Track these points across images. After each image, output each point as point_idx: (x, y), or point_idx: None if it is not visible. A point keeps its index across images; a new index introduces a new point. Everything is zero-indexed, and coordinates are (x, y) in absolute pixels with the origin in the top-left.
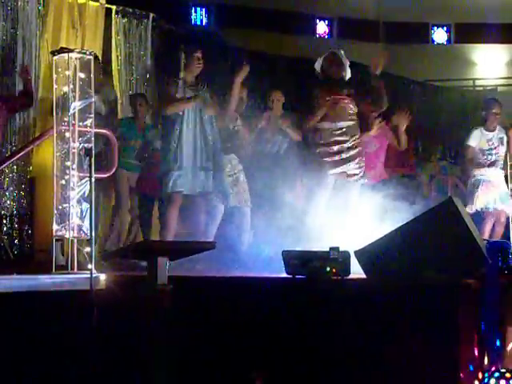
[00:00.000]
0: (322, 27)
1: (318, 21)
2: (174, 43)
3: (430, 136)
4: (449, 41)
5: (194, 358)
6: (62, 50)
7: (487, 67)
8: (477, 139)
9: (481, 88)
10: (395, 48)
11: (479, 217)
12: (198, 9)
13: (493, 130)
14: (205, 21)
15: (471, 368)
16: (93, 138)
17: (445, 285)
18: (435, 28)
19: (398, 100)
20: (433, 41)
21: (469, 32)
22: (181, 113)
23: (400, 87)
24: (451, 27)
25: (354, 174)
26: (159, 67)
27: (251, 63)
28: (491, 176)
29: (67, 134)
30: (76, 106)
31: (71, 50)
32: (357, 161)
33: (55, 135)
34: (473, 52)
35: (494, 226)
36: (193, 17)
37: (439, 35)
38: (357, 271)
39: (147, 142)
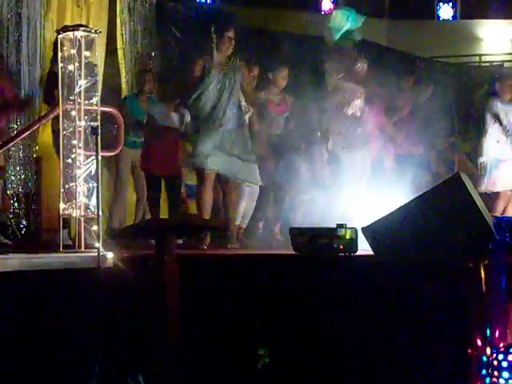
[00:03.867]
0: (326, 4)
1: None
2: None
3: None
4: (454, 17)
5: (202, 336)
6: (67, 28)
7: (493, 43)
8: (496, 111)
9: (487, 64)
10: (400, 24)
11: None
12: None
13: (509, 102)
14: None
15: (479, 343)
16: (99, 117)
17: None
18: (441, 4)
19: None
20: (438, 17)
21: (475, 8)
22: (213, 94)
23: (405, 63)
24: (457, 3)
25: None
26: (184, 47)
27: (255, 40)
28: (509, 154)
29: (73, 113)
30: (82, 84)
31: (76, 28)
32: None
33: (61, 114)
34: (479, 28)
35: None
36: None
37: (445, 11)
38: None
39: (151, 117)
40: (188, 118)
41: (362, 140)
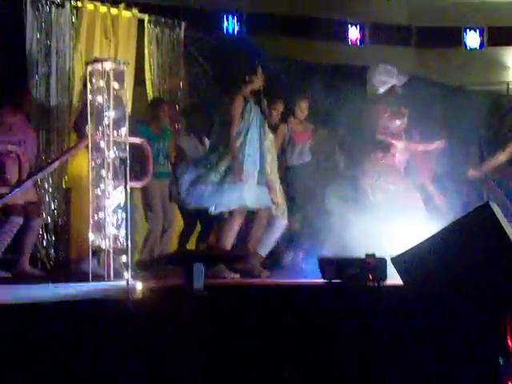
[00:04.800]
0: (353, 33)
1: (349, 26)
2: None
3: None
4: (482, 44)
5: (230, 363)
6: (96, 60)
7: None
8: None
9: None
10: (427, 52)
11: None
12: (230, 17)
13: None
14: (236, 29)
15: None
16: (127, 148)
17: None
18: (468, 32)
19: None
20: (465, 45)
21: (502, 35)
22: (244, 125)
23: (432, 92)
24: (484, 31)
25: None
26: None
27: (282, 69)
28: None
29: (102, 144)
30: (110, 115)
31: (105, 60)
32: None
33: (90, 145)
34: (506, 55)
35: None
36: (224, 25)
37: (472, 39)
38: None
39: (181, 149)
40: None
41: (396, 171)
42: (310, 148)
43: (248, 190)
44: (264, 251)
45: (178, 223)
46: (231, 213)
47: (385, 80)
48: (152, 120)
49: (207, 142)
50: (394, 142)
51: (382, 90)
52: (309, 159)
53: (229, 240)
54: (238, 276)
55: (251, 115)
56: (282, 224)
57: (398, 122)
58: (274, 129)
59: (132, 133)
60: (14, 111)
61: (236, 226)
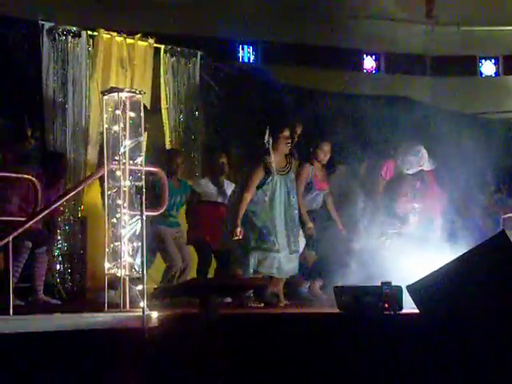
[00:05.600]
0: (369, 62)
1: (365, 56)
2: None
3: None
4: (497, 73)
5: None
6: (112, 90)
7: None
8: None
9: None
10: (442, 81)
11: None
12: (246, 46)
13: None
14: (252, 58)
15: None
16: (143, 177)
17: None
18: (483, 61)
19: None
20: (481, 73)
21: None
22: (266, 197)
23: (448, 121)
24: (499, 59)
25: None
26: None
27: (298, 99)
28: None
29: (118, 173)
30: (126, 144)
31: (121, 90)
32: None
33: (106, 174)
34: None
35: None
36: (240, 54)
37: (487, 68)
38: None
39: (195, 194)
40: (229, 190)
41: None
42: (324, 196)
43: (279, 259)
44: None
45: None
46: None
47: (415, 162)
48: (168, 173)
49: (226, 184)
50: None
51: (410, 171)
52: (318, 207)
53: None
54: (262, 305)
55: (274, 186)
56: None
57: (415, 206)
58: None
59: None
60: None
61: None
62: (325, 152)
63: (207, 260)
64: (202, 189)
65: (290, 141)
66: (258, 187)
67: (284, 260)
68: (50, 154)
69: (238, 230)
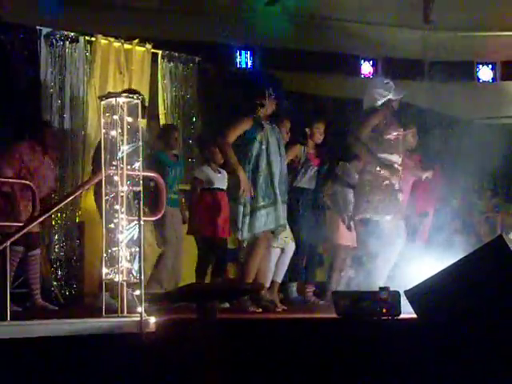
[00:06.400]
0: (366, 67)
1: (362, 61)
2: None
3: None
4: (494, 78)
5: None
6: (110, 95)
7: None
8: None
9: None
10: (440, 86)
11: None
12: (243, 52)
13: None
14: (250, 63)
15: None
16: (141, 182)
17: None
18: (480, 66)
19: (445, 139)
20: (478, 79)
21: None
22: (263, 146)
23: (446, 126)
24: (496, 65)
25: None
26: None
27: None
28: None
29: (116, 178)
30: (124, 149)
31: (119, 95)
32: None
33: (104, 179)
34: None
35: None
36: (238, 60)
37: (484, 73)
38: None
39: (198, 181)
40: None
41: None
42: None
43: (280, 209)
44: (280, 277)
45: (194, 256)
46: (253, 242)
47: (383, 93)
48: (165, 147)
49: (224, 172)
50: (397, 164)
51: (380, 102)
52: (313, 186)
53: (253, 270)
54: (259, 310)
55: (267, 137)
56: (292, 246)
57: (394, 133)
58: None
59: (152, 160)
60: (31, 145)
61: (259, 254)
62: (321, 132)
63: (207, 258)
64: (205, 175)
65: (275, 102)
66: (254, 139)
67: (282, 210)
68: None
69: (246, 183)
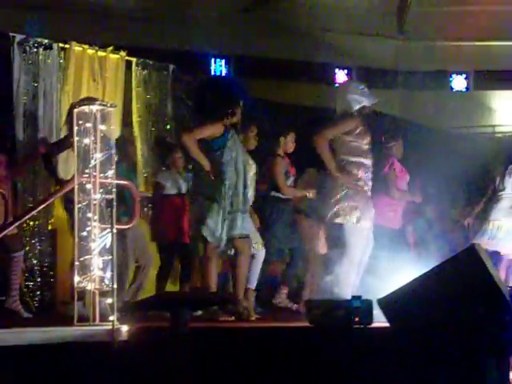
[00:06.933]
0: (341, 76)
1: (337, 70)
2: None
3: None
4: (468, 88)
5: None
6: (83, 102)
7: (506, 114)
8: None
9: (500, 135)
10: (414, 95)
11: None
12: (218, 60)
13: None
14: (224, 71)
15: None
16: (114, 190)
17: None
18: (454, 75)
19: (418, 148)
20: (451, 88)
21: (488, 79)
22: (233, 153)
23: (418, 134)
24: (470, 74)
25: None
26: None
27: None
28: None
29: (88, 186)
30: (97, 157)
31: (92, 102)
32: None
33: (76, 187)
34: (492, 99)
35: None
36: (212, 67)
37: (458, 82)
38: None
39: (161, 185)
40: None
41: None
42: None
43: (244, 218)
44: (253, 285)
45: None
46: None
47: (359, 99)
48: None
49: (189, 176)
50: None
51: (355, 108)
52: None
53: (213, 279)
54: (232, 318)
55: (236, 146)
56: (262, 253)
57: (368, 139)
58: (251, 152)
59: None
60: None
61: (247, 261)
62: (293, 141)
63: (169, 263)
64: (166, 180)
65: (240, 111)
66: (224, 146)
67: (247, 218)
68: None
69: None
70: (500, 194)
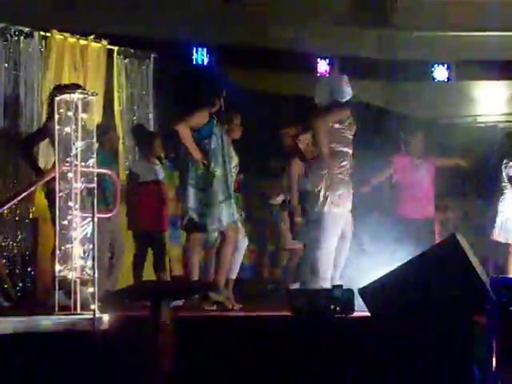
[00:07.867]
0: (322, 66)
1: (318, 60)
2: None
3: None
4: (449, 78)
5: None
6: (64, 91)
7: (488, 104)
8: None
9: (482, 125)
10: (396, 85)
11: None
12: (200, 48)
13: None
14: (206, 60)
15: None
16: (95, 178)
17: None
18: (436, 66)
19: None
20: (433, 78)
21: (469, 69)
22: (219, 141)
23: (401, 125)
24: (452, 65)
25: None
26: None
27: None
28: None
29: (69, 175)
30: (78, 146)
31: (73, 91)
32: None
33: (57, 176)
34: (473, 89)
35: None
36: (194, 56)
37: (440, 73)
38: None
39: (135, 175)
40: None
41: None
42: None
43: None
44: (234, 274)
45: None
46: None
47: (348, 90)
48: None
49: (167, 163)
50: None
51: (346, 99)
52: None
53: (196, 269)
54: (215, 308)
55: (221, 133)
56: (244, 243)
57: (354, 130)
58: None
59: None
60: None
61: (232, 248)
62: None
63: (144, 251)
64: (140, 169)
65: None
66: (211, 133)
67: (234, 205)
68: None
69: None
70: (503, 185)
